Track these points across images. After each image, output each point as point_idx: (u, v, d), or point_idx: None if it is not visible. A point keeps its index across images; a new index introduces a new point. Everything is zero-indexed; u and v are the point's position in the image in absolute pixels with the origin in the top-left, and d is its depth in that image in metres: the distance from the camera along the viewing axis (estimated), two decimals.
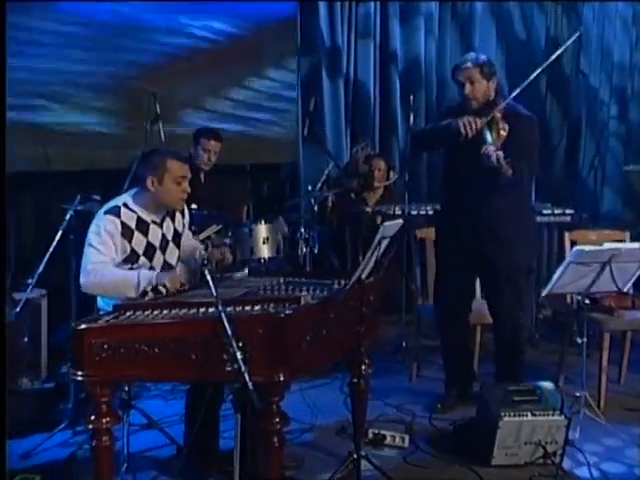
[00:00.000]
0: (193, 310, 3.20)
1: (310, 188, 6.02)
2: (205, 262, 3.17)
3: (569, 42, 4.89)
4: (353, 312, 3.58)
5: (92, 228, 3.56)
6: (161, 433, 4.07)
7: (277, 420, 3.11)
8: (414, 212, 5.84)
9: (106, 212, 3.57)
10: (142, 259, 3.62)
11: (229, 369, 2.88)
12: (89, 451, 3.44)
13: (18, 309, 4.15)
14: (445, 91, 7.81)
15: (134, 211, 3.62)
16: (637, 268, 4.08)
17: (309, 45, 7.41)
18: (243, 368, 2.84)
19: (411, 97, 5.98)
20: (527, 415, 3.88)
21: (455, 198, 4.57)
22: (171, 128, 5.99)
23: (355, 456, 3.57)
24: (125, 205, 3.62)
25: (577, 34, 5.32)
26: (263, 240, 5.32)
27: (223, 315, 2.92)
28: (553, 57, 4.45)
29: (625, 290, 4.20)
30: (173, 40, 6.50)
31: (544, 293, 4.02)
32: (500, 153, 4.09)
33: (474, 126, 4.17)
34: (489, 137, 4.20)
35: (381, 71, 7.77)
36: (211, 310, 3.12)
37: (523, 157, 4.26)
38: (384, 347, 5.78)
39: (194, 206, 5.23)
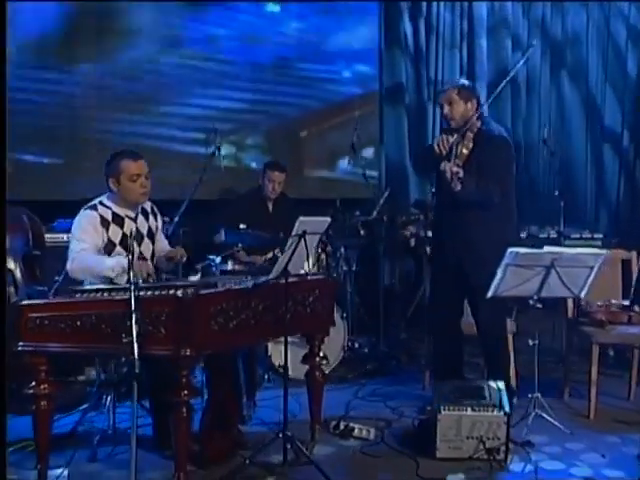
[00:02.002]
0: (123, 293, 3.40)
1: (358, 213, 6.04)
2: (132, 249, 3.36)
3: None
4: (297, 304, 3.74)
5: (74, 222, 3.85)
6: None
7: (185, 392, 3.31)
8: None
9: (85, 209, 3.88)
10: (118, 248, 3.85)
11: (125, 340, 3.07)
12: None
13: None
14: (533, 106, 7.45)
15: (108, 207, 3.90)
16: (588, 274, 3.90)
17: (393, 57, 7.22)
18: (134, 339, 3.03)
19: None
20: (467, 410, 3.81)
21: (438, 215, 4.65)
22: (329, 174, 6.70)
23: (281, 435, 3.64)
24: (101, 202, 3.91)
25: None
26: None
27: (132, 295, 3.14)
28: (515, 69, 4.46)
29: (582, 296, 4.01)
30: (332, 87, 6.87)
31: (488, 295, 3.92)
32: (455, 169, 4.10)
33: (446, 143, 4.21)
34: (453, 155, 4.22)
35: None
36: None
37: (490, 175, 4.26)
38: (418, 358, 5.73)
39: (242, 226, 5.51)
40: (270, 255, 5.59)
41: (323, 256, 5.59)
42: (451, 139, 4.24)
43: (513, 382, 4.61)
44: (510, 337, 4.71)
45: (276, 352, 4.96)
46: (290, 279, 3.68)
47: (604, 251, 3.98)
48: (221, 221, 5.71)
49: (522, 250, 3.82)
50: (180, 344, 3.22)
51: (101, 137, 6.13)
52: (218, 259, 5.15)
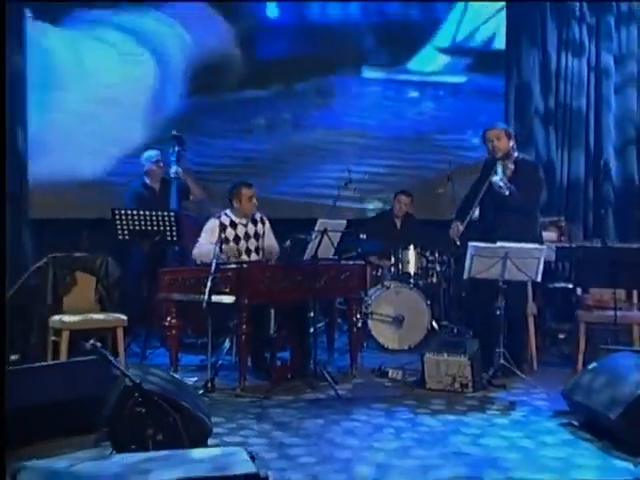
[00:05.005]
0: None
1: None
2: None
3: None
4: (330, 279, 5.49)
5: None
6: None
7: (244, 327, 5.19)
8: None
9: (214, 216, 5.94)
10: (232, 242, 5.85)
11: (203, 290, 5.06)
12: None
13: None
14: None
15: (229, 216, 5.92)
16: (538, 262, 5.20)
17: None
18: (208, 288, 5.01)
19: None
20: (444, 355, 5.26)
21: (482, 220, 5.93)
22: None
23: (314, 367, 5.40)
24: (225, 213, 5.94)
25: None
26: (407, 261, 7.16)
27: (213, 265, 5.13)
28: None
29: (538, 279, 5.28)
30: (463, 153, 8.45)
31: (464, 277, 5.35)
32: (504, 179, 5.58)
33: (456, 230, 5.83)
34: (500, 172, 5.67)
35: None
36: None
37: (524, 190, 5.63)
38: None
39: (363, 236, 7.30)
40: (392, 261, 7.26)
41: (423, 259, 7.20)
42: (461, 227, 5.74)
43: (533, 355, 5.93)
44: (531, 318, 6.00)
45: (374, 327, 6.67)
46: (324, 262, 5.47)
47: (544, 246, 5.25)
48: (362, 233, 7.49)
49: (480, 244, 5.24)
50: (240, 296, 5.14)
51: (279, 195, 8.03)
52: None
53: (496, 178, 5.59)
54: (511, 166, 5.73)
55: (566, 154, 8.60)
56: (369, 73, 8.43)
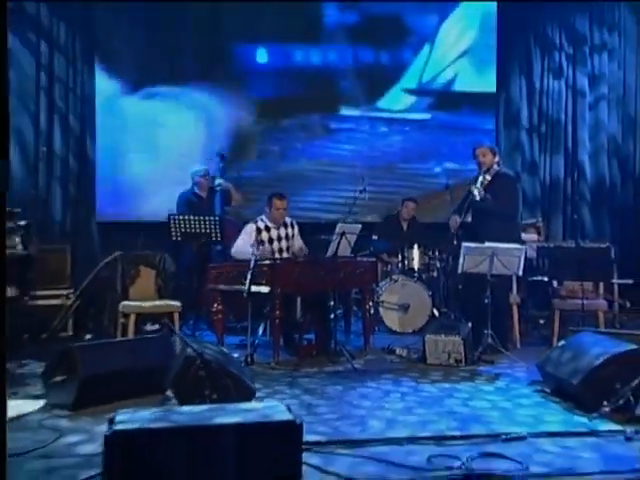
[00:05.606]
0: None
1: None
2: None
3: None
4: (347, 273, 6.19)
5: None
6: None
7: (277, 312, 5.94)
8: None
9: (251, 221, 6.68)
10: (267, 244, 6.69)
11: (244, 281, 5.77)
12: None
13: None
14: None
15: (264, 221, 6.78)
16: (519, 259, 5.88)
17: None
18: (248, 280, 5.71)
19: None
20: (441, 336, 5.95)
21: (472, 225, 6.71)
22: None
23: (334, 345, 6.15)
24: (261, 219, 6.76)
25: None
26: (412, 258, 7.84)
27: (252, 261, 5.84)
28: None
29: (520, 274, 5.96)
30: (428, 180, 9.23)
31: (458, 272, 6.03)
32: (481, 189, 6.34)
33: (455, 222, 6.48)
34: (478, 182, 6.37)
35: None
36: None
37: (498, 199, 6.40)
38: None
39: (375, 237, 8.01)
40: (400, 258, 7.94)
41: (426, 257, 7.88)
42: (458, 219, 6.44)
43: (516, 336, 6.62)
44: (515, 307, 6.68)
45: (384, 314, 7.37)
46: (342, 259, 6.18)
47: (524, 246, 5.93)
48: (374, 234, 8.22)
49: (471, 244, 5.93)
50: (273, 286, 5.88)
51: None
52: None
53: (473, 187, 6.27)
54: (488, 177, 6.40)
55: (548, 158, 9.58)
56: (345, 111, 9.35)
